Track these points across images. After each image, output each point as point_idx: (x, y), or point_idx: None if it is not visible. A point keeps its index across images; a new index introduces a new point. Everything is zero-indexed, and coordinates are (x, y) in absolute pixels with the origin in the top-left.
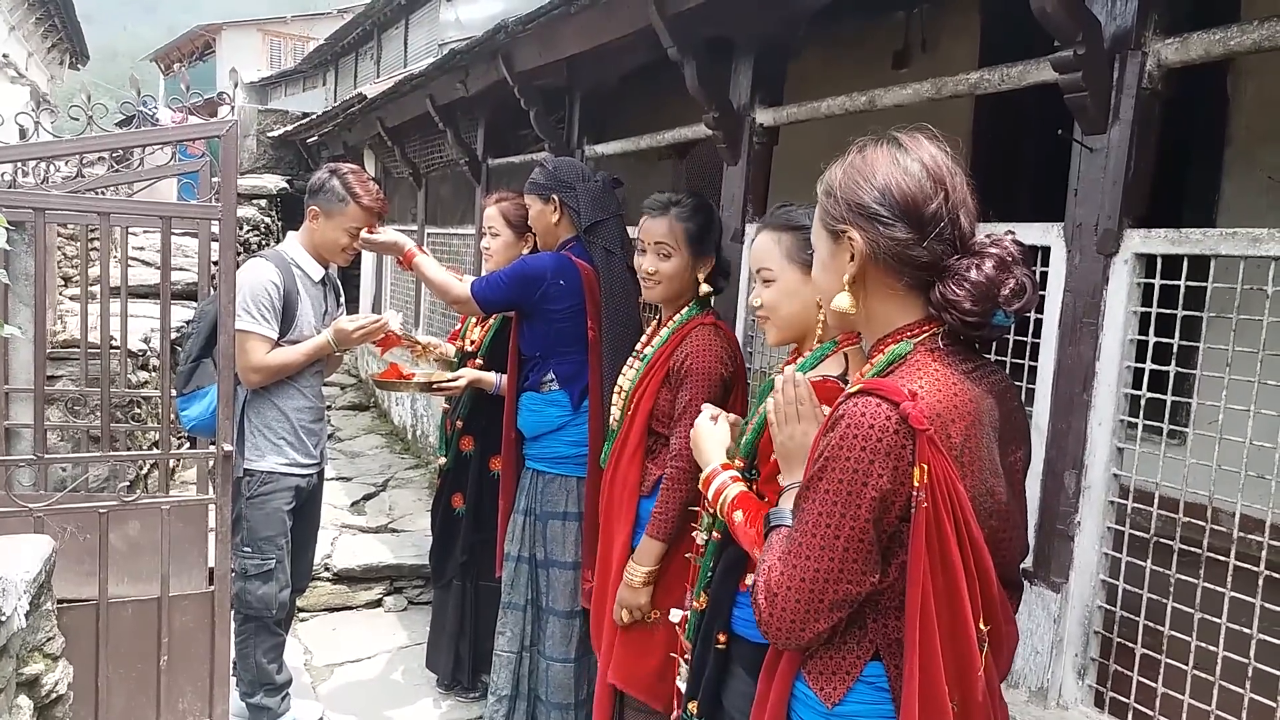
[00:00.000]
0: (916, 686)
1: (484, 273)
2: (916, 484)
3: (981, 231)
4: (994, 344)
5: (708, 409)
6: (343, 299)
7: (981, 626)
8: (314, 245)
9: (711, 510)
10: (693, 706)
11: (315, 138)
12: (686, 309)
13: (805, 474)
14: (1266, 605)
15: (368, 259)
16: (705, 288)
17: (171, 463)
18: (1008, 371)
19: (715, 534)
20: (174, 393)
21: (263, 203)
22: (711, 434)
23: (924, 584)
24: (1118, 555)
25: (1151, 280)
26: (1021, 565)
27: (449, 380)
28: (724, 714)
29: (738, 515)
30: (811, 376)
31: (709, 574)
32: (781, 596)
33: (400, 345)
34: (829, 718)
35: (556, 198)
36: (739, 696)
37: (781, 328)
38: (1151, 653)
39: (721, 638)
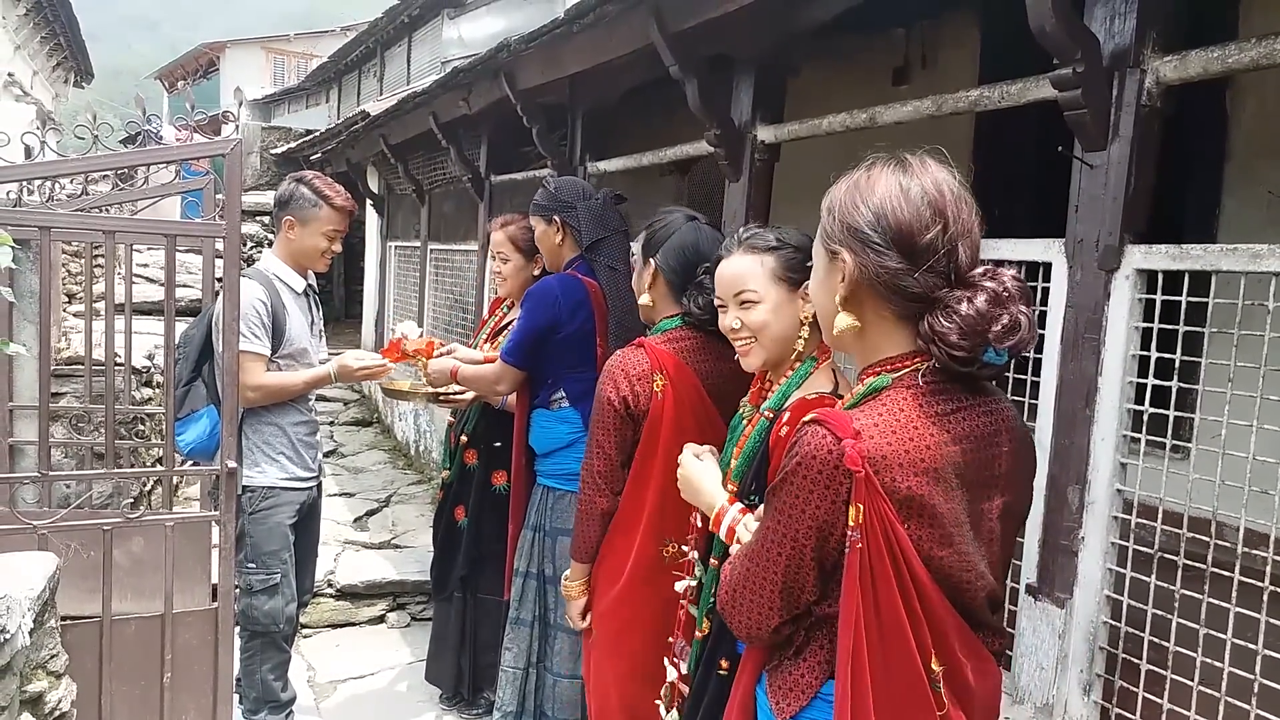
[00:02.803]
0: (848, 715)
1: (496, 295)
2: (852, 523)
3: (987, 253)
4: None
5: (690, 448)
6: (322, 310)
7: (934, 667)
8: (292, 256)
9: (726, 542)
10: None
11: (319, 154)
12: (658, 325)
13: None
14: (1271, 620)
15: (371, 273)
16: (644, 299)
17: (174, 479)
18: (1009, 387)
19: (715, 560)
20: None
21: (265, 219)
22: (705, 472)
23: (856, 620)
24: (1122, 570)
25: (1153, 296)
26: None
27: (456, 393)
28: None
29: None
30: (808, 395)
31: (711, 599)
32: (738, 593)
33: (406, 360)
34: None
35: (558, 218)
36: None
37: (769, 348)
38: (1157, 668)
39: (724, 663)
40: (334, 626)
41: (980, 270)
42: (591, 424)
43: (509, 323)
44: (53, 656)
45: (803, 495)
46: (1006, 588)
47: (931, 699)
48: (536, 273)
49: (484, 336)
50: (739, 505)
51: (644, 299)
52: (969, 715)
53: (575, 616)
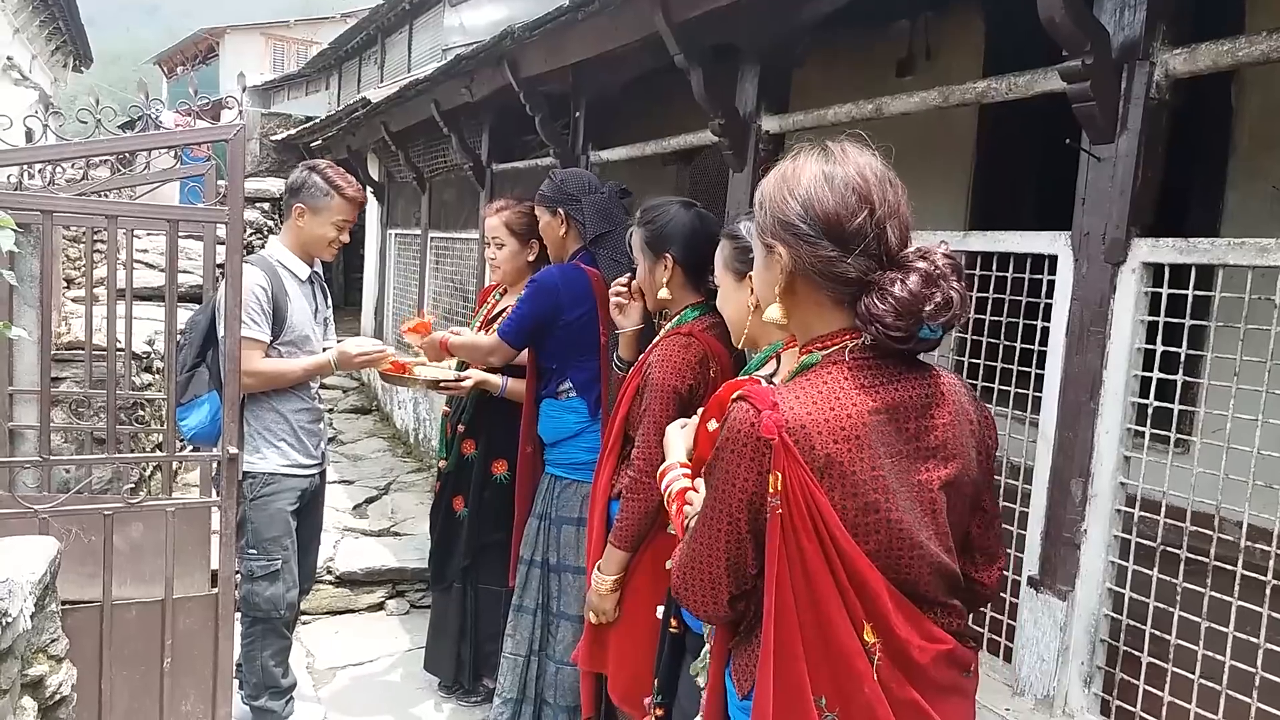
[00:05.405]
0: (771, 682)
1: (489, 282)
2: (771, 490)
3: (926, 241)
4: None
5: (681, 421)
6: (330, 298)
7: (866, 638)
8: (300, 243)
9: (660, 495)
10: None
11: (319, 141)
12: (680, 316)
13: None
14: (1273, 614)
15: (370, 261)
16: (664, 293)
17: (175, 465)
18: (1014, 380)
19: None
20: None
21: (265, 206)
22: (676, 436)
23: (778, 584)
24: (1124, 564)
25: (1159, 289)
26: (983, 578)
27: (455, 380)
28: (676, 696)
29: (674, 506)
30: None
31: None
32: (686, 570)
33: (406, 371)
34: (741, 709)
35: (563, 211)
36: (688, 681)
37: (733, 333)
38: (1158, 661)
39: (674, 623)
40: (333, 613)
41: (912, 250)
42: (650, 413)
43: (501, 310)
44: (53, 640)
45: (731, 469)
46: (1004, 570)
47: (867, 670)
48: (531, 258)
49: (475, 326)
50: (684, 470)
51: (663, 293)
52: (924, 694)
53: (609, 610)
